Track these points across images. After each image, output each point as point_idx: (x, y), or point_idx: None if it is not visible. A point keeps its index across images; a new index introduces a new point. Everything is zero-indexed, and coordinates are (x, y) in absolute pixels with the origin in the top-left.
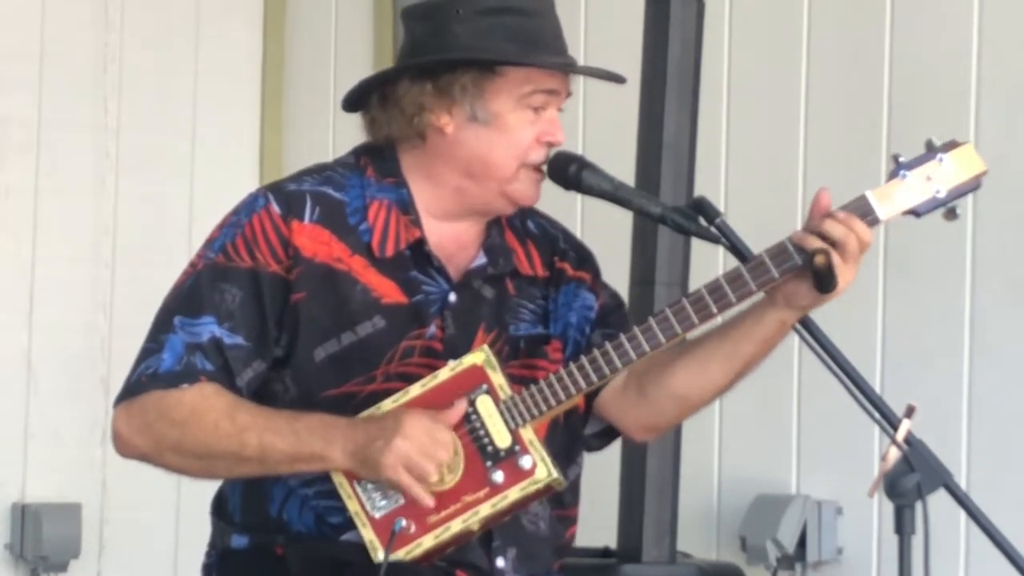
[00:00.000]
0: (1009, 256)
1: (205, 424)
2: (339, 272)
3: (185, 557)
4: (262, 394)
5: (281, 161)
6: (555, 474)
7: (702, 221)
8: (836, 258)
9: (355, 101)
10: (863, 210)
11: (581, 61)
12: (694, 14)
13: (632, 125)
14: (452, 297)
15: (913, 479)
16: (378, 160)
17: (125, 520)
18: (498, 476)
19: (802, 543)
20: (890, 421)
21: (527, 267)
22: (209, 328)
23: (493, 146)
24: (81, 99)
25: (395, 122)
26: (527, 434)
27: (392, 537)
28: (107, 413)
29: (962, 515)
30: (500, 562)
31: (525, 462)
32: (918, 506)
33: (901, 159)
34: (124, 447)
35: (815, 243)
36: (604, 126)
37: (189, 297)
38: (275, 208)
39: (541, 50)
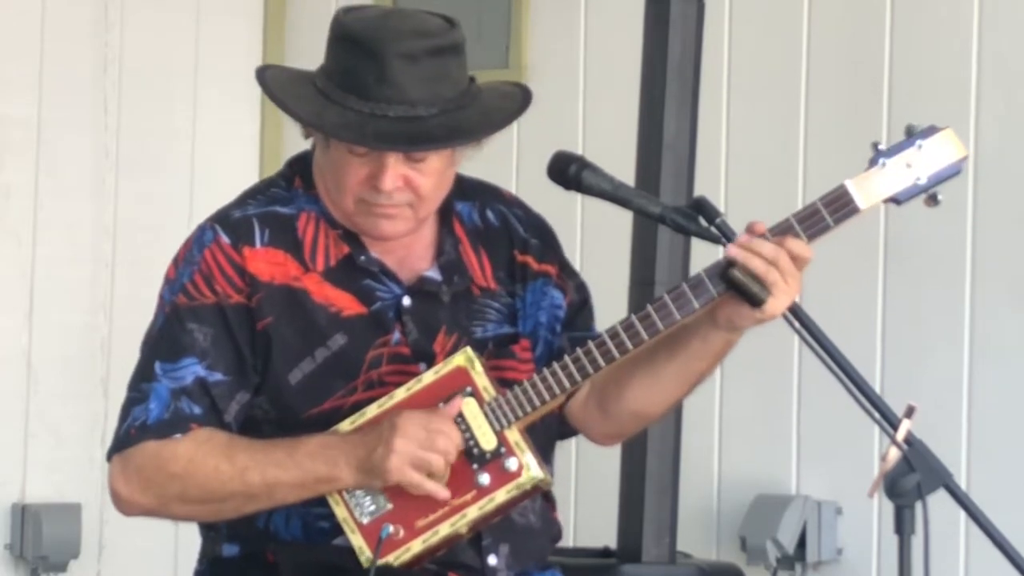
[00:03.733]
0: (1009, 256)
1: (206, 471)
2: (298, 291)
3: (185, 557)
4: (244, 424)
5: (281, 161)
6: (541, 475)
7: (702, 221)
8: (776, 276)
9: None
10: (842, 200)
11: (581, 61)
12: (694, 14)
13: (632, 125)
14: (406, 301)
15: (913, 479)
16: (306, 170)
17: (125, 520)
18: (484, 478)
19: (802, 543)
20: (890, 421)
21: (480, 278)
22: (192, 370)
23: (329, 173)
24: (81, 99)
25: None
26: (512, 435)
27: (379, 543)
28: (107, 413)
29: (962, 515)
30: (492, 560)
31: (511, 464)
32: (918, 506)
33: (880, 147)
34: (127, 507)
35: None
36: (604, 126)
37: (163, 341)
38: (224, 239)
39: (358, 93)
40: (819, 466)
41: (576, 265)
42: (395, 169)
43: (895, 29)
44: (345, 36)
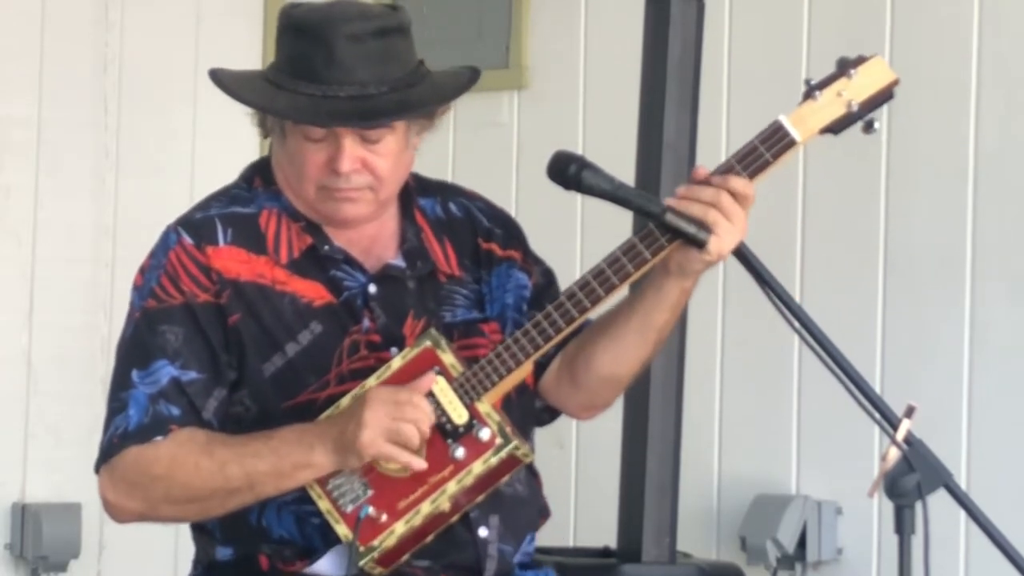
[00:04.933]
0: (1009, 256)
1: (187, 469)
2: (265, 287)
3: (185, 557)
4: (225, 420)
5: None
6: (514, 440)
7: None
8: (716, 216)
9: None
10: (778, 135)
11: (581, 61)
12: (694, 14)
13: (632, 125)
14: (372, 288)
15: (913, 479)
16: (265, 171)
17: None
18: (460, 452)
19: (802, 543)
20: (890, 421)
21: (445, 266)
22: (166, 371)
23: (288, 164)
24: (81, 99)
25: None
26: (483, 407)
27: (358, 524)
28: None
29: (962, 515)
30: (483, 532)
31: (484, 434)
32: (918, 506)
33: (812, 81)
34: (118, 513)
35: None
36: (604, 126)
37: (136, 348)
38: (187, 239)
39: (308, 79)
40: (819, 466)
41: (576, 265)
42: (352, 151)
43: (895, 29)
44: (291, 26)
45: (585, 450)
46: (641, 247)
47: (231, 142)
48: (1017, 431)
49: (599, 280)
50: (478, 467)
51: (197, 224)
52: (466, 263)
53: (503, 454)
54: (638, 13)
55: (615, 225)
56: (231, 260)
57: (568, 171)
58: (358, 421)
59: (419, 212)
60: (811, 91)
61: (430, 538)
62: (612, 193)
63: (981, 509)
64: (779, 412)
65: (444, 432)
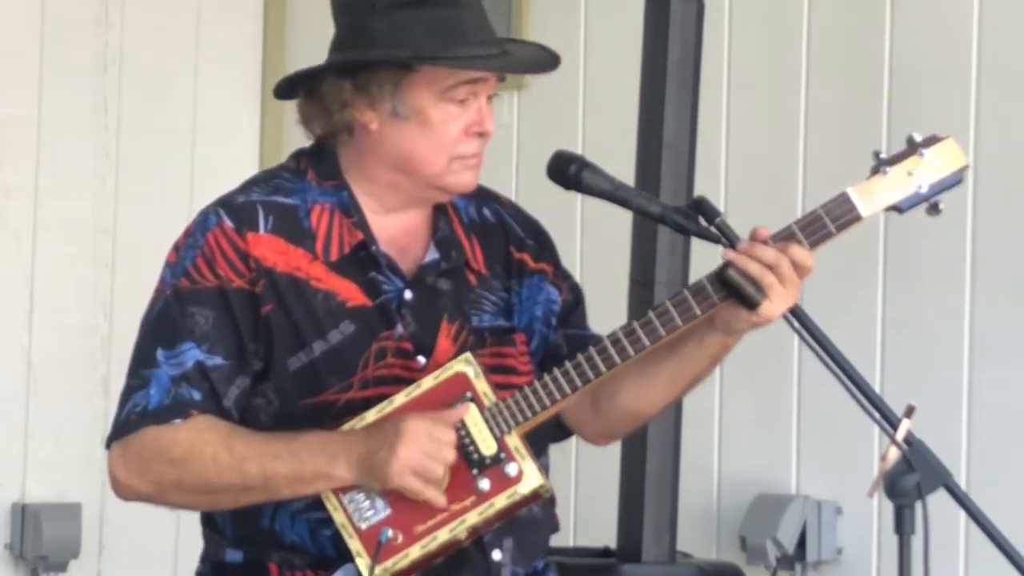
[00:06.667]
0: (1009, 256)
1: (204, 459)
2: (300, 281)
3: (185, 557)
4: (245, 411)
5: (281, 160)
6: (541, 480)
7: (702, 221)
8: (772, 280)
9: (286, 91)
10: (844, 207)
11: (581, 61)
12: (694, 14)
13: (632, 125)
14: (408, 295)
15: (913, 479)
16: (318, 163)
17: (125, 520)
18: (484, 484)
19: (802, 543)
20: (890, 421)
21: (473, 262)
22: (191, 354)
23: (417, 142)
24: (81, 99)
25: (322, 118)
26: (512, 441)
27: (378, 548)
28: (107, 413)
29: (962, 515)
30: (496, 555)
31: (511, 469)
32: (918, 506)
33: (882, 155)
34: (124, 491)
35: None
36: (604, 126)
37: (163, 327)
38: (228, 223)
39: (460, 43)
40: (819, 466)
41: (576, 265)
42: (490, 110)
43: (895, 29)
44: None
45: (585, 450)
46: (692, 302)
47: (231, 142)
48: (1017, 431)
49: (646, 329)
50: (501, 501)
51: (239, 208)
52: (496, 268)
53: (528, 492)
54: (638, 13)
55: (615, 225)
56: (269, 249)
57: (568, 171)
58: (391, 450)
59: (451, 209)
60: (880, 166)
61: (440, 559)
62: (612, 193)
63: (981, 509)
64: (779, 412)
65: (470, 461)
